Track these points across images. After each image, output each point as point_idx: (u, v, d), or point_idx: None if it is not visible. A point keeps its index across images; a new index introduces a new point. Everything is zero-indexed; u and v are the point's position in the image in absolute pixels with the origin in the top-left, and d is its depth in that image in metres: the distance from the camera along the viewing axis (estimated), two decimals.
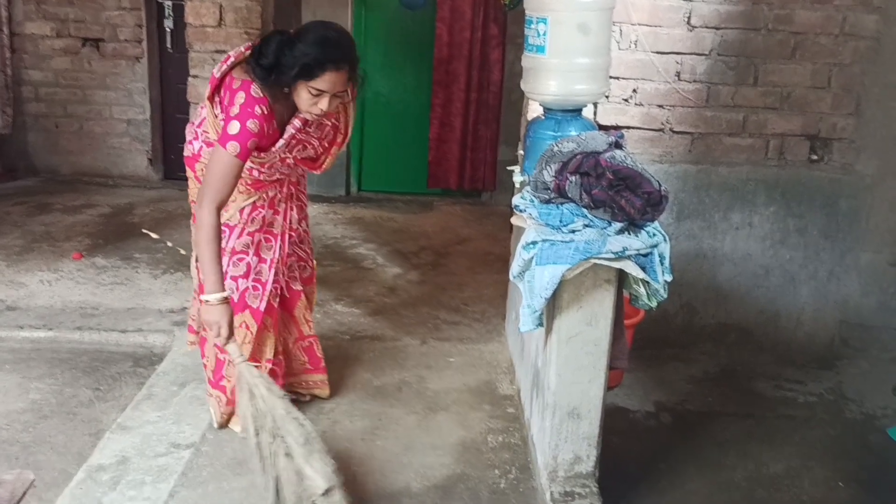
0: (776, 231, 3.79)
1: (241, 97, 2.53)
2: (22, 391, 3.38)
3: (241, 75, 2.57)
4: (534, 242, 2.51)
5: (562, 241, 2.46)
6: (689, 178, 3.72)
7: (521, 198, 2.72)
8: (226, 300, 2.54)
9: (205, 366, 3.05)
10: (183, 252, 4.88)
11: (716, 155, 3.72)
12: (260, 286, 2.87)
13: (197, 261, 2.91)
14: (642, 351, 3.75)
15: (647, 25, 3.56)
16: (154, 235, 5.27)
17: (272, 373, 2.93)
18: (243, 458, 2.86)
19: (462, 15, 6.08)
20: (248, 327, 2.87)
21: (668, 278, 2.53)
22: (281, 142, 2.65)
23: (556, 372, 2.59)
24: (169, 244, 5.10)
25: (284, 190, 2.89)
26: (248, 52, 2.60)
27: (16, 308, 4.05)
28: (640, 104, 3.65)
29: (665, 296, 2.53)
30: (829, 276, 3.85)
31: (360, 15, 6.34)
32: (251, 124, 2.50)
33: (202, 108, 2.76)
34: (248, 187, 2.79)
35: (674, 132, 3.69)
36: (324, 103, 2.53)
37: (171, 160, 6.55)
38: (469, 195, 6.55)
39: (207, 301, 2.53)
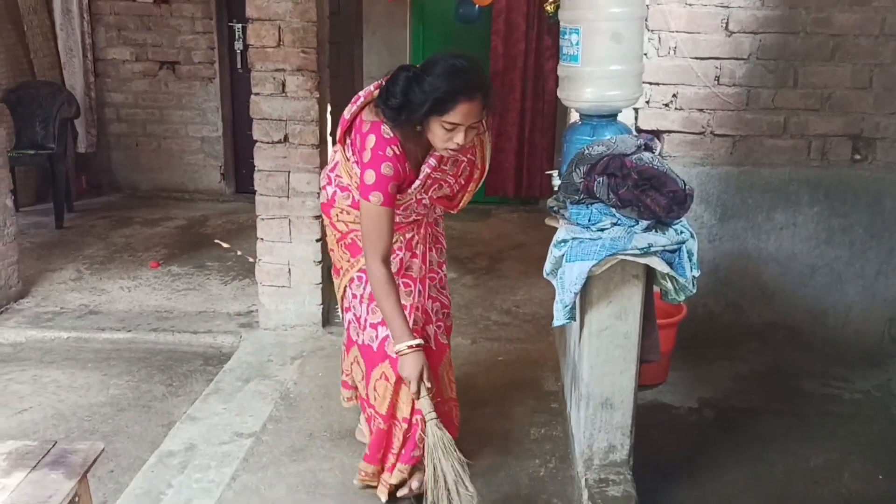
0: (821, 231, 3.83)
1: (371, 140, 2.42)
2: (103, 387, 3.68)
3: (371, 116, 2.46)
4: (564, 241, 2.65)
5: (590, 239, 2.59)
6: (732, 180, 3.80)
7: (555, 199, 2.87)
8: (418, 346, 2.44)
9: (368, 419, 2.84)
10: (251, 260, 5.15)
11: (757, 156, 3.79)
12: None
13: (341, 314, 2.87)
14: (687, 350, 3.83)
15: (686, 32, 3.67)
16: (225, 245, 5.59)
17: (408, 432, 2.67)
18: (301, 447, 3.08)
19: (516, 27, 6.25)
20: (387, 378, 2.61)
21: (696, 274, 2.62)
22: (417, 182, 2.52)
23: (589, 364, 2.72)
24: (238, 253, 5.41)
25: (422, 231, 2.73)
26: (377, 90, 2.48)
27: (98, 312, 4.38)
28: (681, 108, 3.75)
29: (693, 291, 2.62)
30: (877, 275, 3.86)
31: (417, 31, 6.58)
32: (385, 169, 2.40)
33: (335, 151, 2.69)
34: None
35: (715, 135, 3.78)
36: (459, 137, 2.36)
37: (242, 174, 6.89)
38: (526, 202, 6.69)
39: (399, 352, 2.45)
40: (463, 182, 2.69)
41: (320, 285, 4.08)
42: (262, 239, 4.07)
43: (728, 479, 3.05)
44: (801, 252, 3.87)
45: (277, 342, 4.02)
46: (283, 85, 3.85)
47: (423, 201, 2.62)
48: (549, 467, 2.99)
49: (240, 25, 6.50)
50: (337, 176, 2.64)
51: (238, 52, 6.62)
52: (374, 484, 2.77)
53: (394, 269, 2.62)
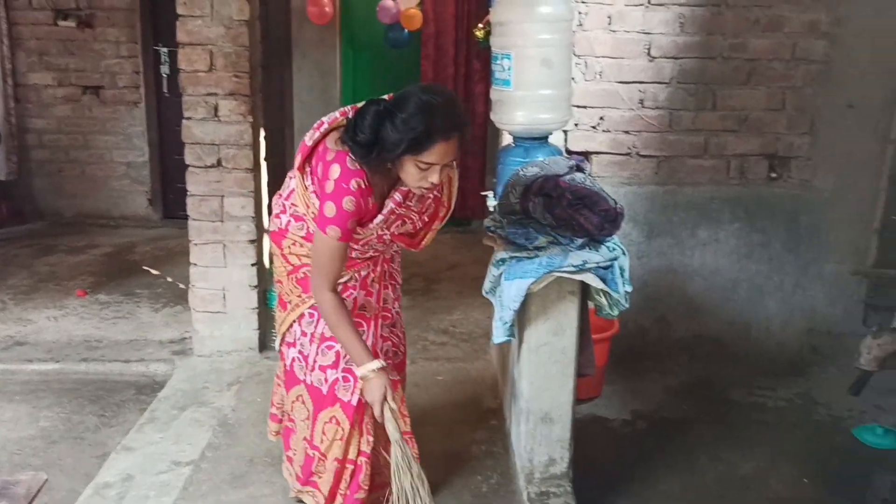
0: (741, 246, 4.00)
1: (335, 170, 2.31)
2: (32, 419, 3.57)
3: (336, 146, 2.35)
4: (503, 260, 2.73)
5: (527, 258, 2.67)
6: (657, 199, 3.94)
7: (492, 219, 2.94)
8: (381, 369, 2.40)
9: (290, 459, 2.79)
10: (182, 286, 5.08)
11: (680, 176, 3.95)
12: (351, 377, 2.53)
13: (283, 344, 2.74)
14: (620, 364, 3.93)
15: (611, 57, 3.81)
16: (154, 272, 5.49)
17: (353, 473, 2.64)
18: (241, 474, 3.05)
19: (445, 52, 6.35)
20: (338, 423, 2.57)
21: (629, 289, 2.72)
22: (380, 217, 2.43)
23: (528, 380, 2.79)
24: (169, 279, 5.32)
25: (378, 269, 2.65)
26: (343, 118, 2.41)
27: (24, 343, 4.25)
28: (608, 130, 3.89)
29: (626, 305, 2.72)
30: (795, 288, 4.05)
31: (347, 55, 6.63)
32: (347, 204, 2.30)
33: (290, 177, 2.54)
34: None
35: (640, 156, 3.92)
36: (434, 177, 2.29)
37: (170, 200, 6.78)
38: (459, 224, 6.75)
39: (363, 378, 2.41)
40: (427, 219, 2.62)
41: (256, 310, 4.06)
42: (195, 264, 4.02)
43: (663, 489, 3.15)
44: (723, 267, 4.04)
45: (213, 368, 3.97)
46: (216, 109, 3.84)
47: (384, 237, 2.54)
48: (492, 483, 3.03)
49: (165, 49, 6.43)
50: (292, 204, 2.52)
51: (164, 76, 6.54)
52: None
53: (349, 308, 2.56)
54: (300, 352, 2.63)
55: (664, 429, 3.58)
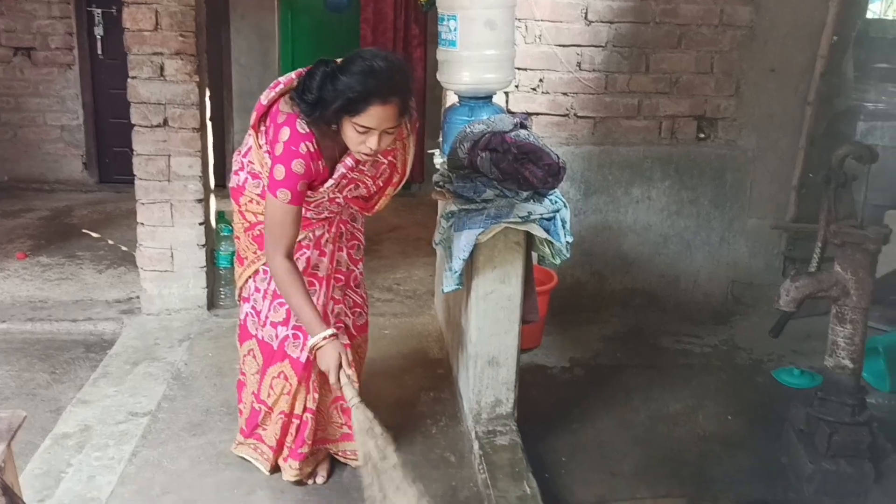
0: (672, 203, 4.23)
1: (285, 133, 2.34)
2: None
3: (288, 108, 2.39)
4: (452, 212, 2.87)
5: (476, 210, 2.82)
6: (594, 158, 4.13)
7: (441, 175, 3.08)
8: (332, 336, 2.40)
9: (240, 412, 2.90)
10: (124, 248, 5.09)
11: (616, 136, 4.14)
12: (301, 334, 2.58)
13: (239, 298, 2.80)
14: (559, 316, 4.14)
15: (549, 21, 3.96)
16: (94, 234, 5.46)
17: (298, 427, 2.72)
18: (199, 422, 3.15)
19: (384, 16, 6.40)
20: (286, 378, 2.63)
21: (570, 239, 2.90)
22: (330, 182, 2.46)
23: (476, 326, 2.95)
24: (110, 242, 5.30)
25: (333, 230, 2.67)
26: (298, 79, 2.41)
27: None
28: (547, 92, 4.04)
29: (568, 255, 2.89)
30: (721, 242, 4.31)
31: (286, 18, 6.62)
32: (296, 166, 2.33)
33: (249, 135, 2.56)
34: None
35: (578, 117, 4.10)
36: (372, 141, 2.29)
37: (105, 163, 6.69)
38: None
39: (315, 346, 2.40)
40: (381, 184, 2.65)
41: (204, 268, 4.12)
42: (142, 224, 4.05)
43: (600, 427, 3.37)
44: (655, 223, 4.27)
45: (162, 326, 4.03)
46: (162, 68, 3.85)
47: (337, 200, 2.57)
48: (441, 425, 3.20)
49: (99, 11, 6.31)
50: (249, 162, 2.56)
51: (99, 37, 6.42)
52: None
53: (301, 267, 2.56)
54: (253, 307, 2.71)
55: (600, 374, 3.80)
